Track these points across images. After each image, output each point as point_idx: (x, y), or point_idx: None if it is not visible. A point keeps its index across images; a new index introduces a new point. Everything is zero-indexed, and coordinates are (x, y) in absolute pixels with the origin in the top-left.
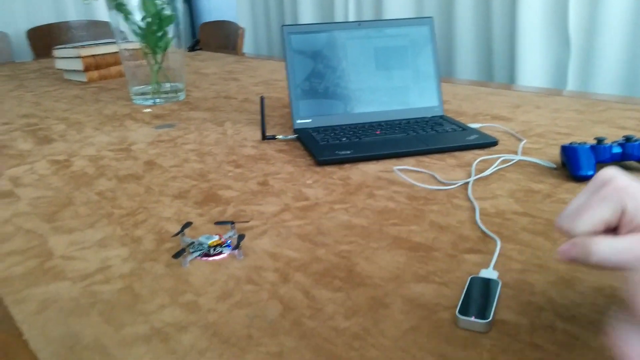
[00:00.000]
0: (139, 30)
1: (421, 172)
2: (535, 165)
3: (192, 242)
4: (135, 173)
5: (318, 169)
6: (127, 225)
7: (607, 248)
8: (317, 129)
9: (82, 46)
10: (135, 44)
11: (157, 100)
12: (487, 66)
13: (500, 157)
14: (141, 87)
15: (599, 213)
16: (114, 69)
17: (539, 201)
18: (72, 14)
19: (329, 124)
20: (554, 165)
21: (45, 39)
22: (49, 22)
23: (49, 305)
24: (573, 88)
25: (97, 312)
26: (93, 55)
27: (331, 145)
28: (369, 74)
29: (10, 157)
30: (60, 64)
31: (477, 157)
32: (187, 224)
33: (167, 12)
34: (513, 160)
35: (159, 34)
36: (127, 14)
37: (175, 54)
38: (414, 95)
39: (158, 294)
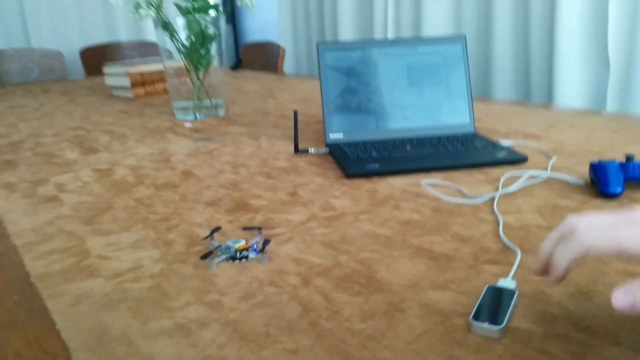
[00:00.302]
0: (183, 49)
1: (448, 186)
2: (563, 182)
3: (220, 246)
4: (172, 182)
5: (347, 181)
6: (160, 230)
7: None
8: (348, 144)
9: (131, 64)
10: (179, 62)
11: (198, 115)
12: (524, 86)
13: (528, 173)
14: (183, 102)
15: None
16: (159, 86)
17: (564, 216)
18: (123, 34)
19: (361, 139)
20: (583, 183)
21: (97, 58)
22: (101, 42)
23: (82, 299)
24: (612, 109)
25: (126, 307)
26: (140, 73)
27: (361, 159)
28: (401, 91)
29: (57, 165)
30: (109, 81)
31: (506, 173)
32: (217, 229)
33: (210, 31)
34: (542, 176)
35: (202, 51)
36: (172, 33)
37: (216, 72)
38: (445, 112)
39: (184, 293)
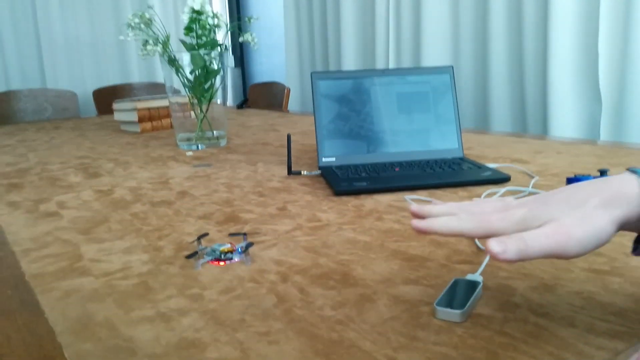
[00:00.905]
0: (187, 82)
1: (430, 201)
2: None
3: (205, 248)
4: (168, 200)
5: (335, 198)
6: (152, 238)
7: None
8: (340, 167)
9: (139, 100)
10: (184, 97)
11: (200, 145)
12: (521, 119)
13: (509, 189)
14: (186, 134)
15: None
16: (165, 121)
17: None
18: (135, 76)
19: (352, 162)
20: None
21: (109, 98)
22: (114, 83)
23: (72, 294)
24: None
25: (112, 299)
26: (148, 108)
27: (350, 179)
28: (392, 117)
29: (60, 187)
30: (118, 116)
31: (488, 191)
32: (204, 234)
33: (214, 66)
34: (522, 192)
35: (206, 85)
36: (178, 68)
37: (219, 105)
38: (434, 137)
39: (168, 288)
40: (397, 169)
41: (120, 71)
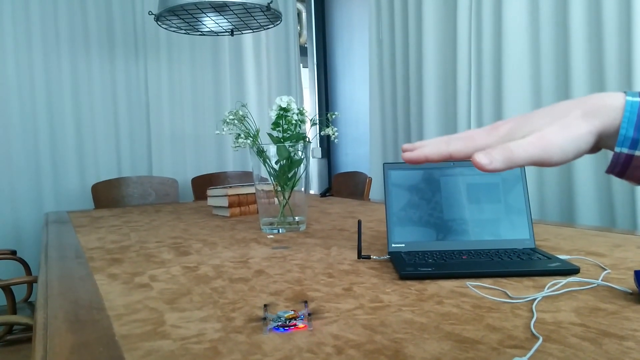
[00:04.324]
0: (273, 171)
1: (494, 288)
2: (610, 290)
3: (272, 315)
4: (245, 277)
5: (400, 282)
6: (226, 310)
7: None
8: (408, 253)
9: (230, 187)
10: (270, 184)
11: (281, 229)
12: (609, 213)
13: (576, 280)
14: (269, 218)
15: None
16: (252, 207)
17: (600, 317)
18: (230, 165)
19: (421, 249)
20: (630, 291)
21: (205, 184)
22: (211, 172)
23: (152, 353)
24: None
25: (185, 359)
26: (237, 194)
27: (416, 264)
28: (461, 207)
29: (154, 262)
30: (211, 201)
31: (554, 280)
32: (270, 304)
33: (298, 156)
34: (590, 285)
35: (289, 174)
36: (265, 159)
37: (301, 193)
38: (505, 227)
39: (234, 353)
40: (464, 257)
41: (217, 160)
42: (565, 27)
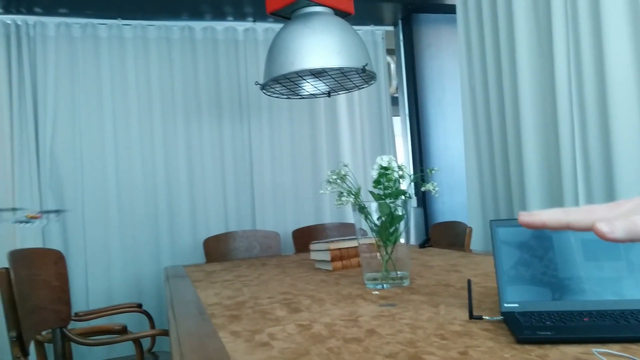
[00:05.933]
0: (374, 227)
1: (623, 356)
2: None
3: None
4: (358, 337)
5: (518, 346)
6: None
7: None
8: (523, 313)
9: (332, 241)
10: (371, 239)
11: (385, 285)
12: None
13: None
14: (373, 274)
15: None
16: (354, 260)
17: None
18: (327, 218)
19: (536, 309)
20: None
21: (305, 237)
22: (310, 224)
23: None
24: None
25: None
26: (339, 249)
27: (534, 326)
28: (578, 264)
29: (270, 320)
30: (313, 255)
31: None
32: None
33: (399, 212)
34: None
35: (391, 229)
36: (366, 215)
37: (403, 247)
38: (629, 286)
39: None
40: (585, 319)
41: (315, 213)
42: None
